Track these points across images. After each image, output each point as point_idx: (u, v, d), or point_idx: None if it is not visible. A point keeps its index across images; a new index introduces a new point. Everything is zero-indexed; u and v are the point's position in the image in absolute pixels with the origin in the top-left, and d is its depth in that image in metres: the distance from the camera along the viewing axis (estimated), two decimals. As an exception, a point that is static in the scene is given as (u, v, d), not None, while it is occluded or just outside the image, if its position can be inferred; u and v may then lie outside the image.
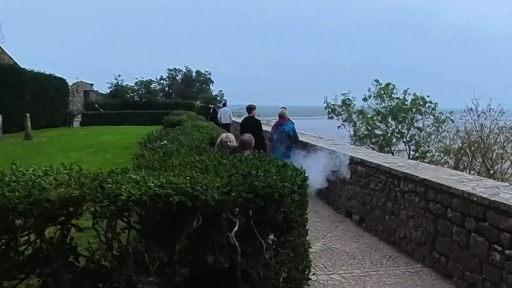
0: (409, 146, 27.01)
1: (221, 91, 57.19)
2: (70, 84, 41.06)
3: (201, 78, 56.72)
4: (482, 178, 5.98)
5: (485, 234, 4.82)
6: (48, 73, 31.69)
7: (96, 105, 38.43)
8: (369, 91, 28.55)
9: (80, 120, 35.30)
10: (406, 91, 27.42)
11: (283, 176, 3.57)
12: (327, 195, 9.38)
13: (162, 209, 3.16)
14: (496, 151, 20.26)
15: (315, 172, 8.00)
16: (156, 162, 4.26)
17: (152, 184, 3.19)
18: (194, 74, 56.51)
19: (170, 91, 54.73)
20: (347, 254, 6.28)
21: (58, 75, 33.60)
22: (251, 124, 10.59)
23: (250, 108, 11.14)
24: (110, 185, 3.23)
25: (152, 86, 42.06)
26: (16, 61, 32.53)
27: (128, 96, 39.29)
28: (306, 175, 3.88)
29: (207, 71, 56.98)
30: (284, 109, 10.08)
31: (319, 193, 9.61)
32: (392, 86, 28.05)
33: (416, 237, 6.12)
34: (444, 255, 5.53)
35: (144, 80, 41.63)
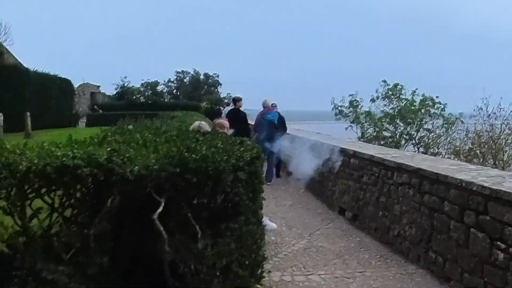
0: (418, 148, 26.20)
1: (229, 93, 56.89)
2: (76, 85, 40.95)
3: (209, 80, 56.45)
4: (486, 167, 5.26)
5: (487, 229, 4.08)
6: (52, 74, 31.51)
7: (95, 106, 38.18)
8: (376, 92, 27.83)
9: (85, 121, 35.01)
10: (414, 91, 26.60)
11: (225, 149, 2.93)
12: (320, 191, 8.71)
13: (72, 184, 2.55)
14: (508, 152, 19.33)
15: (303, 162, 7.53)
16: (96, 139, 3.65)
17: (60, 154, 2.58)
18: (202, 76, 56.26)
19: (178, 93, 54.49)
20: (333, 253, 5.58)
21: (63, 76, 33.42)
22: (236, 115, 10.41)
23: (235, 100, 11.00)
24: (14, 155, 2.63)
25: (158, 87, 41.61)
26: (21, 62, 32.39)
27: (134, 97, 38.92)
28: (260, 152, 3.24)
29: (215, 74, 56.78)
30: (268, 99, 10.26)
31: (311, 187, 9.05)
32: (400, 87, 27.24)
33: (410, 235, 5.41)
34: (441, 255, 4.80)
35: (150, 81, 41.23)
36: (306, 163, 7.38)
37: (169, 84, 56.65)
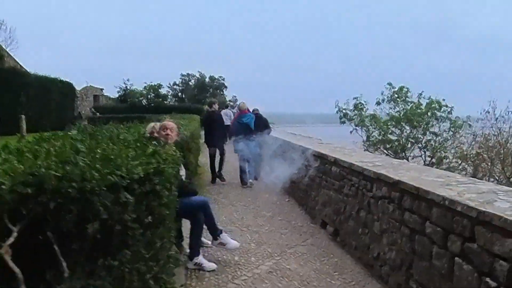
0: (424, 152, 25.29)
1: (235, 96, 56.33)
2: (79, 88, 40.60)
3: (215, 83, 55.90)
4: (478, 181, 4.41)
5: (474, 261, 3.23)
6: (53, 77, 31.17)
7: (92, 109, 37.83)
8: (382, 95, 26.99)
9: (86, 124, 34.58)
10: (420, 94, 25.73)
11: (106, 162, 2.19)
12: (305, 201, 7.92)
13: None
14: (516, 157, 18.41)
15: (276, 166, 7.01)
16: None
17: None
18: (207, 79, 55.76)
19: (183, 96, 54.01)
20: (300, 279, 4.76)
21: (64, 79, 33.08)
22: (211, 117, 10.54)
23: (211, 103, 11.13)
24: None
25: (161, 90, 41.06)
26: (23, 65, 32.10)
27: (137, 100, 38.37)
28: (169, 165, 2.50)
29: (220, 77, 56.23)
30: (243, 102, 10.41)
31: (296, 195, 8.33)
32: (406, 90, 26.39)
33: (390, 258, 4.59)
34: (422, 286, 4.01)
35: (153, 84, 40.74)
36: (280, 167, 6.75)
37: (174, 87, 56.25)
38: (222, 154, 10.65)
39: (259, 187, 9.96)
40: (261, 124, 10.63)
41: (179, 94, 54.85)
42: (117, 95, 41.85)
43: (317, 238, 6.41)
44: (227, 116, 19.72)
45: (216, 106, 10.93)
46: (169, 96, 52.83)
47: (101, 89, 43.68)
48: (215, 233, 5.25)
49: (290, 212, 7.88)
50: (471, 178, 4.44)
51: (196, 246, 5.04)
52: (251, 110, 11.41)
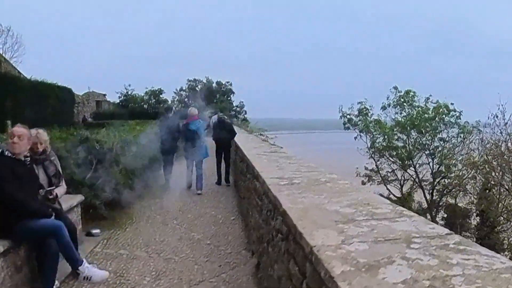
0: (432, 159, 23.75)
1: (242, 102, 55.28)
2: (81, 94, 40.05)
3: (222, 88, 54.92)
4: (405, 212, 3.01)
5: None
6: (50, 82, 30.54)
7: (85, 115, 37.23)
8: (387, 99, 25.60)
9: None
10: (428, 98, 24.37)
11: None
12: (247, 220, 6.60)
13: None
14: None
15: None
16: None
17: None
18: (214, 84, 54.82)
19: (189, 101, 53.14)
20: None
21: (62, 85, 32.44)
22: (166, 124, 10.29)
23: (166, 109, 11.71)
24: None
25: (162, 95, 40.31)
26: (21, 71, 31.64)
27: (137, 105, 37.67)
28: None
29: (228, 82, 55.19)
30: (193, 108, 10.24)
31: (242, 214, 7.12)
32: (412, 94, 25.03)
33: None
34: None
35: (154, 89, 39.98)
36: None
37: (181, 92, 55.50)
38: (170, 162, 10.23)
39: (210, 201, 8.77)
40: (225, 129, 10.71)
41: (186, 99, 53.95)
42: (120, 101, 41.16)
43: (238, 271, 5.07)
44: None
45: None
46: (174, 102, 52.07)
47: (104, 95, 43.15)
48: (74, 264, 4.07)
49: (227, 235, 6.55)
50: (399, 209, 3.03)
51: (49, 282, 3.85)
52: (217, 117, 11.43)
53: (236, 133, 11.11)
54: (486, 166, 17.96)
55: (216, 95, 52.85)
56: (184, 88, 54.71)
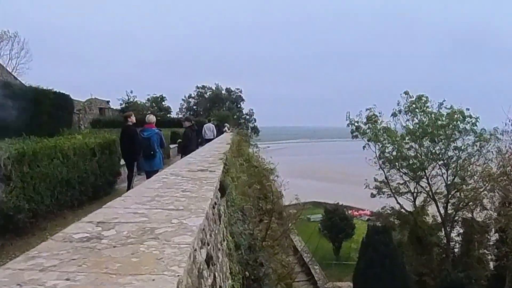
0: (446, 170, 22.05)
1: (252, 109, 53.87)
2: (83, 100, 38.98)
3: (232, 95, 53.58)
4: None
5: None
6: (45, 87, 29.39)
7: (80, 123, 36.01)
8: (398, 105, 23.97)
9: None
10: (441, 104, 22.65)
11: None
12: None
13: None
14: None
15: None
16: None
17: None
18: (224, 91, 53.50)
19: (198, 109, 51.92)
20: None
21: (59, 91, 31.29)
22: (125, 132, 9.36)
23: (126, 116, 10.09)
24: None
25: (164, 102, 39.06)
26: (16, 76, 30.61)
27: (139, 113, 36.47)
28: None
29: (238, 89, 53.71)
30: (151, 115, 10.00)
31: None
32: (425, 99, 23.36)
33: None
34: None
35: (156, 96, 38.77)
36: None
37: (189, 99, 54.23)
38: (130, 171, 9.12)
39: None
40: (193, 137, 10.76)
41: (194, 107, 52.66)
42: (121, 108, 39.99)
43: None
44: (210, 131, 19.31)
45: (132, 119, 9.52)
46: (182, 109, 50.78)
47: (107, 102, 41.87)
48: None
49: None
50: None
51: None
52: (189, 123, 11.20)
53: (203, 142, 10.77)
54: (505, 178, 16.26)
55: (226, 103, 51.49)
56: (192, 95, 53.37)
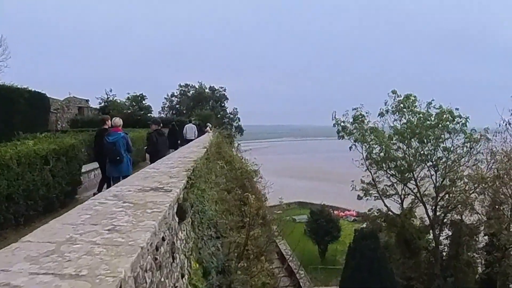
0: (435, 172, 21.36)
1: (236, 108, 52.88)
2: (62, 99, 37.62)
3: (215, 94, 52.44)
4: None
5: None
6: (19, 86, 28.00)
7: (58, 122, 34.76)
8: (385, 105, 23.20)
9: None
10: (430, 103, 21.96)
11: None
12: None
13: None
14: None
15: None
16: None
17: None
18: (207, 90, 52.32)
19: (181, 108, 50.70)
20: None
21: (34, 89, 29.91)
22: (99, 135, 9.46)
23: (103, 119, 10.32)
24: None
25: (144, 101, 37.82)
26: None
27: (119, 112, 35.25)
28: None
29: (221, 87, 52.58)
30: (119, 118, 9.42)
31: None
32: (413, 98, 22.62)
33: None
34: None
35: (136, 95, 37.55)
36: None
37: (172, 98, 52.95)
38: (104, 175, 9.11)
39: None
40: (161, 141, 10.15)
41: (177, 106, 51.38)
42: (100, 107, 38.61)
43: None
44: (191, 131, 19.19)
45: (108, 123, 9.46)
46: (165, 108, 49.64)
47: (86, 100, 40.53)
48: None
49: None
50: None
51: None
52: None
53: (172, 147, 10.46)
54: (497, 182, 15.59)
55: (209, 101, 50.34)
56: (175, 94, 52.11)
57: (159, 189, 3.64)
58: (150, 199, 3.15)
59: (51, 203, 7.34)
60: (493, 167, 17.35)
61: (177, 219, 3.57)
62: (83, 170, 9.86)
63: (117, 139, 8.56)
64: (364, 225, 30.28)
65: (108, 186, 8.55)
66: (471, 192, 19.67)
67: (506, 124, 15.72)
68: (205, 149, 8.87)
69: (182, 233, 3.82)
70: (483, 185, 17.16)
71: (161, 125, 10.85)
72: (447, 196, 20.91)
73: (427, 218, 22.09)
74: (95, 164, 11.34)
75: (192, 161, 6.13)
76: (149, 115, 36.52)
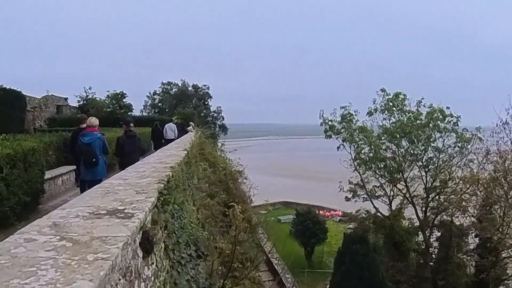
0: (426, 172, 20.73)
1: (220, 107, 51.97)
2: (39, 97, 36.19)
3: (199, 92, 51.41)
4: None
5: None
6: (-9, 84, 26.63)
7: (37, 122, 33.48)
8: (374, 104, 22.52)
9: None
10: (420, 102, 21.35)
11: None
12: None
13: None
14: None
15: None
16: None
17: None
18: (190, 88, 51.28)
19: (163, 106, 49.55)
20: None
21: (9, 87, 28.53)
22: (74, 137, 9.26)
23: (80, 120, 9.86)
24: None
25: (125, 99, 36.59)
26: None
27: (94, 110, 34.03)
28: None
29: (205, 85, 51.58)
30: (95, 118, 8.82)
31: None
32: (403, 97, 21.97)
33: None
34: None
35: (116, 92, 36.35)
36: None
37: (154, 96, 51.77)
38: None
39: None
40: (131, 144, 9.40)
41: (160, 104, 50.22)
42: (79, 105, 37.28)
43: None
44: (171, 130, 18.73)
45: (85, 122, 8.94)
46: (147, 107, 48.49)
47: (65, 99, 39.12)
48: None
49: None
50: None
51: None
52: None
53: (145, 152, 9.84)
54: (493, 184, 14.98)
55: (192, 100, 49.34)
56: (157, 92, 50.97)
57: (118, 213, 2.71)
58: (99, 233, 2.23)
59: (5, 217, 6.32)
60: (487, 167, 16.74)
61: (141, 254, 2.67)
62: (48, 176, 8.87)
63: (93, 140, 8.13)
64: (351, 226, 29.77)
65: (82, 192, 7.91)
66: (462, 193, 19.12)
67: (503, 124, 15.01)
68: (186, 152, 7.97)
69: (149, 268, 2.92)
70: (477, 186, 16.56)
71: (132, 124, 9.92)
72: (438, 197, 20.35)
73: (416, 220, 21.52)
74: (64, 169, 10.36)
75: (169, 168, 5.21)
76: (130, 113, 35.41)
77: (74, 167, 10.20)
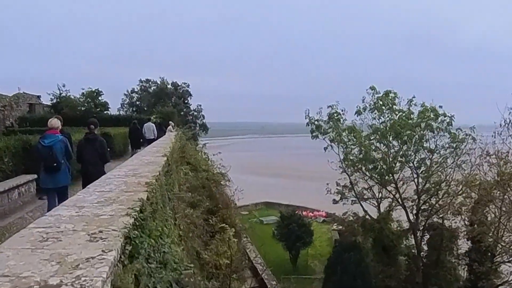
0: (417, 174, 19.88)
1: (200, 105, 50.67)
2: (10, 95, 34.36)
3: (178, 90, 49.96)
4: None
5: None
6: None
7: (9, 121, 31.76)
8: (363, 102, 21.55)
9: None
10: (411, 101, 20.45)
11: None
12: None
13: None
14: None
15: None
16: None
17: None
18: (169, 86, 49.78)
19: (141, 104, 47.96)
20: None
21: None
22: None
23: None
24: None
25: (101, 98, 35.06)
26: None
27: (68, 108, 32.42)
28: None
29: (185, 83, 50.16)
30: (56, 119, 7.86)
31: None
32: (393, 95, 21.06)
33: None
34: None
35: (92, 90, 34.77)
36: None
37: (132, 94, 50.13)
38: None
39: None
40: (95, 151, 8.32)
41: (137, 103, 48.61)
42: (52, 104, 35.54)
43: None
44: (150, 130, 18.47)
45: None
46: (124, 105, 46.85)
47: (38, 97, 37.35)
48: None
49: None
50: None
51: None
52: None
53: (108, 160, 8.48)
54: (497, 189, 14.19)
55: (172, 98, 47.87)
56: (136, 90, 49.35)
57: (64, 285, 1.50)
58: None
59: None
60: (484, 169, 15.97)
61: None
62: (0, 189, 7.62)
63: (54, 143, 7.50)
64: (335, 227, 28.98)
65: (49, 203, 7.40)
66: (456, 195, 18.35)
67: (506, 124, 14.19)
68: (165, 158, 6.71)
69: None
70: (476, 189, 15.77)
71: (92, 126, 8.62)
72: (430, 200, 19.54)
73: (405, 222, 20.71)
74: (22, 178, 9.03)
75: (144, 185, 4.00)
76: (106, 112, 33.89)
77: (35, 176, 9.02)
